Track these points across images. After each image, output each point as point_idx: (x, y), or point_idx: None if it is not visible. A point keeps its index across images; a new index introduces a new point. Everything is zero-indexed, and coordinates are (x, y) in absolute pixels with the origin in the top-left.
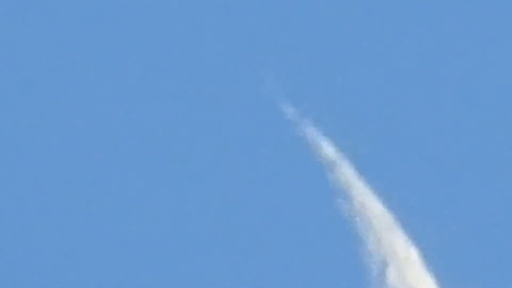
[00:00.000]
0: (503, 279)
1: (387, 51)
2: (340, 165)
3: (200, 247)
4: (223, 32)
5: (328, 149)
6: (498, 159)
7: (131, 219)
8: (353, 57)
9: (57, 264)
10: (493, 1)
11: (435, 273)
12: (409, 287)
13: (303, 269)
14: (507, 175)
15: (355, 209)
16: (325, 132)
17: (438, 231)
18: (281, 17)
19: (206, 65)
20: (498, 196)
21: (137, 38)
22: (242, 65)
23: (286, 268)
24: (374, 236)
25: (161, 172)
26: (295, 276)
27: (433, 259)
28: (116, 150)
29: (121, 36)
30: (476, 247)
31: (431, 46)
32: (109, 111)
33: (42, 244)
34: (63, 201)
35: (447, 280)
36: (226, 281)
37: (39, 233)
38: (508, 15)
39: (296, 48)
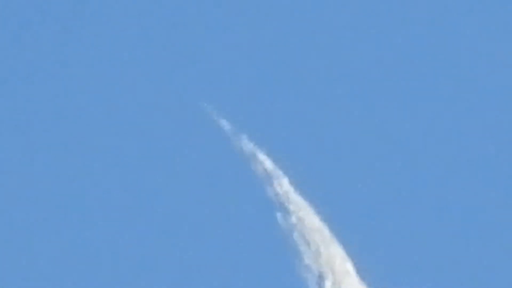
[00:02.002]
0: None
1: (323, 63)
2: (278, 179)
3: (132, 261)
4: (168, 53)
5: (266, 163)
6: (435, 169)
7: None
8: (291, 74)
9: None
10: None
11: (371, 286)
12: None
13: (241, 283)
14: (445, 184)
15: (293, 223)
16: (263, 147)
17: (374, 244)
18: (223, 39)
19: (153, 84)
20: (436, 208)
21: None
22: (184, 84)
23: (224, 282)
24: (311, 250)
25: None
26: None
27: (368, 272)
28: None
29: None
30: (411, 261)
31: (368, 53)
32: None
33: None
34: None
35: None
36: None
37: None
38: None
39: (234, 68)
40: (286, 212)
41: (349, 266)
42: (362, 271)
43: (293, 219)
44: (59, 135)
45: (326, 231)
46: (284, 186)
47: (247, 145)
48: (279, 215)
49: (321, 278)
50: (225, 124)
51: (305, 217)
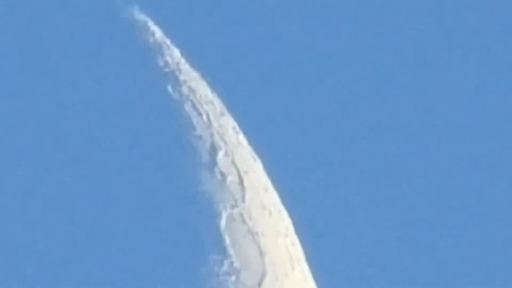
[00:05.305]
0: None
1: None
2: (168, 49)
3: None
4: None
5: (157, 33)
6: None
7: None
8: None
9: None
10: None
11: (262, 156)
12: (238, 169)
13: (130, 153)
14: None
15: (184, 94)
16: (153, 16)
17: (266, 116)
18: None
19: None
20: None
21: None
22: None
23: (114, 156)
24: (203, 121)
25: None
26: (124, 158)
27: (261, 145)
28: None
29: None
30: (299, 138)
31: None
32: None
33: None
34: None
35: (274, 164)
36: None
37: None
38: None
39: None
40: (177, 83)
41: (242, 138)
42: (253, 144)
43: (184, 89)
44: None
45: (218, 103)
46: (175, 57)
47: (138, 15)
48: (169, 86)
49: (213, 148)
50: None
51: (197, 88)
